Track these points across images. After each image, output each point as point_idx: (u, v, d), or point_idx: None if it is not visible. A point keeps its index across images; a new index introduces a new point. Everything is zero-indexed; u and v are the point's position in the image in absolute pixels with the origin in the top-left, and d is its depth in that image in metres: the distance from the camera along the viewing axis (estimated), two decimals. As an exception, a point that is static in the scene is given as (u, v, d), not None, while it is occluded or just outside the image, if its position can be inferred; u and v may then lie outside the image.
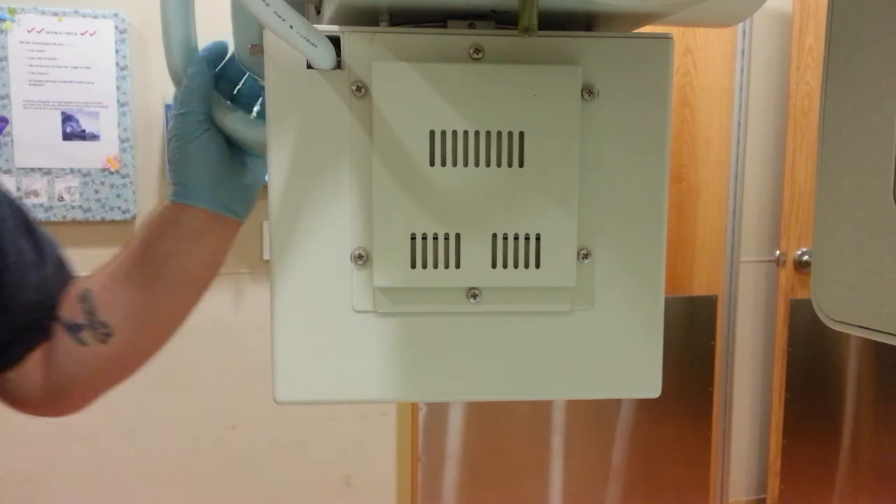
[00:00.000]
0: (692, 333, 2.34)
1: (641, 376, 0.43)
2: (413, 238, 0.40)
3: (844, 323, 0.33)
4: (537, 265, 0.40)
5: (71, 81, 1.83)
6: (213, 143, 0.53)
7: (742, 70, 2.28)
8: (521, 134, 0.39)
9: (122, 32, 1.84)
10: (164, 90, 1.91)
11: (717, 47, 2.27)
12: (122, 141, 1.87)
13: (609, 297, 0.42)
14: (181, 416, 2.01)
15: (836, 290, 0.33)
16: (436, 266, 0.40)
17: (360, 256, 0.41)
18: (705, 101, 2.28)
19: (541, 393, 0.44)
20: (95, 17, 1.82)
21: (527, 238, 0.40)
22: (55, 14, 1.80)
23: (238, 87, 0.56)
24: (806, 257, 2.24)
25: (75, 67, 1.83)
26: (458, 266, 0.40)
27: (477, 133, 0.39)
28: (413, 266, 0.40)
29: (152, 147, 1.93)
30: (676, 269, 2.31)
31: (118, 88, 1.85)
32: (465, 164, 0.39)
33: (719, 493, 2.43)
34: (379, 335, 0.42)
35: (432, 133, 0.39)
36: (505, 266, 0.40)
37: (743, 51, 2.28)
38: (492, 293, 0.41)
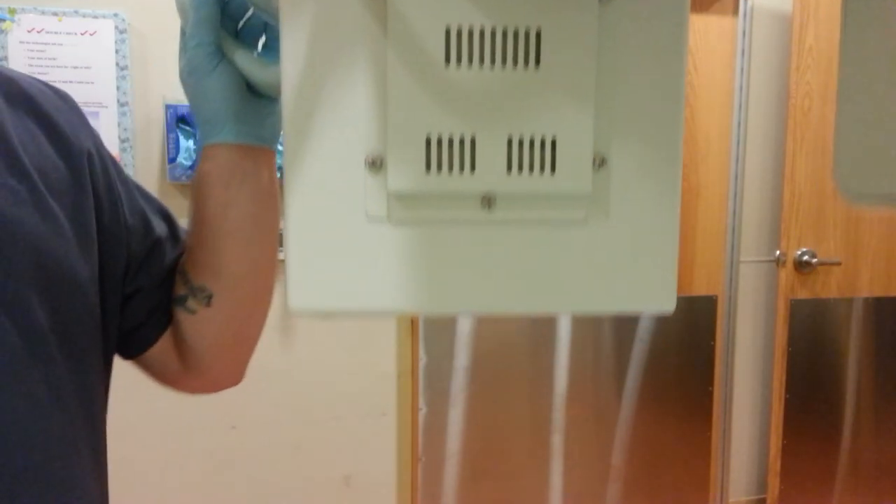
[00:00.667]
0: (692, 333, 2.34)
1: (656, 290, 0.42)
2: (428, 141, 0.39)
3: (866, 195, 0.32)
4: (552, 170, 0.39)
5: (71, 81, 1.83)
6: (230, 74, 0.52)
7: (742, 70, 2.28)
8: (538, 32, 0.38)
9: (122, 32, 1.84)
10: (163, 90, 1.91)
11: (717, 47, 2.28)
12: (122, 141, 1.87)
13: (625, 208, 0.41)
14: (181, 416, 2.01)
15: (856, 163, 0.33)
16: (451, 170, 0.39)
17: (373, 161, 0.40)
18: (705, 101, 2.28)
19: (552, 306, 0.42)
20: (95, 17, 1.82)
21: (542, 143, 0.39)
22: (55, 14, 1.80)
23: (241, 25, 0.55)
24: (806, 257, 2.24)
25: (75, 67, 1.83)
26: (472, 170, 0.39)
27: (493, 30, 0.38)
28: (428, 169, 0.39)
29: (152, 147, 1.93)
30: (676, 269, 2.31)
31: (118, 88, 1.85)
32: (482, 63, 0.38)
33: (719, 493, 2.43)
34: (392, 243, 0.41)
35: (448, 30, 0.38)
36: (520, 170, 0.39)
37: (743, 51, 2.28)
38: (506, 201, 0.40)
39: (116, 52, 1.84)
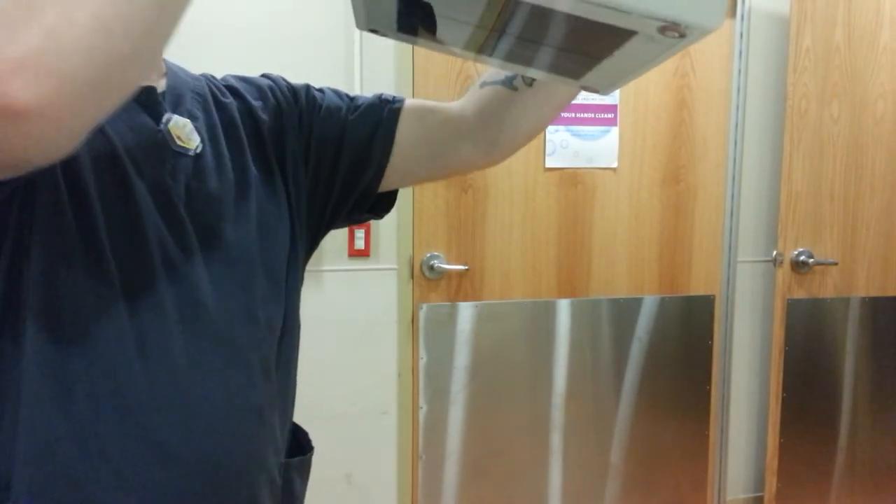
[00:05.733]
0: (690, 333, 2.36)
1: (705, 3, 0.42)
2: None
3: None
4: None
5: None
6: None
7: (739, 72, 2.30)
8: None
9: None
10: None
11: (715, 49, 2.29)
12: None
13: None
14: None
15: None
16: None
17: None
18: (703, 102, 2.30)
19: None
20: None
21: None
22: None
23: None
24: (803, 257, 2.26)
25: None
26: None
27: None
28: None
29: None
30: (674, 269, 2.33)
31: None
32: None
33: (717, 491, 2.45)
34: None
35: None
36: None
37: (740, 53, 2.29)
38: None
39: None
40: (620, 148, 2.25)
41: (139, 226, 0.61)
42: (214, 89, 0.74)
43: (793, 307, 2.29)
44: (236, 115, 0.73)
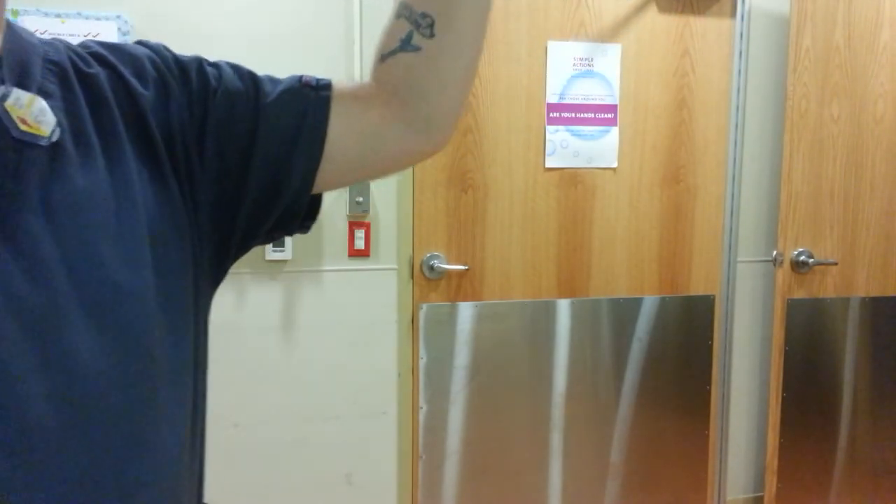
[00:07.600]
0: (690, 333, 2.36)
1: None
2: None
3: None
4: None
5: (73, 83, 1.84)
6: None
7: (739, 72, 2.30)
8: None
9: (125, 35, 1.85)
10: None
11: (715, 49, 2.29)
12: (125, 142, 1.88)
13: None
14: (183, 415, 2.03)
15: None
16: None
17: None
18: (703, 102, 2.30)
19: None
20: (98, 19, 1.84)
21: None
22: (58, 16, 1.81)
23: None
24: (803, 257, 2.26)
25: (78, 69, 1.84)
26: None
27: None
28: None
29: (154, 148, 1.94)
30: (674, 268, 2.33)
31: (121, 90, 1.86)
32: None
33: (717, 491, 2.45)
34: None
35: None
36: None
37: (740, 53, 2.30)
38: None
39: (119, 53, 1.85)
40: (620, 148, 2.25)
41: None
42: (75, 57, 0.54)
43: (793, 307, 2.29)
44: (107, 89, 0.54)
